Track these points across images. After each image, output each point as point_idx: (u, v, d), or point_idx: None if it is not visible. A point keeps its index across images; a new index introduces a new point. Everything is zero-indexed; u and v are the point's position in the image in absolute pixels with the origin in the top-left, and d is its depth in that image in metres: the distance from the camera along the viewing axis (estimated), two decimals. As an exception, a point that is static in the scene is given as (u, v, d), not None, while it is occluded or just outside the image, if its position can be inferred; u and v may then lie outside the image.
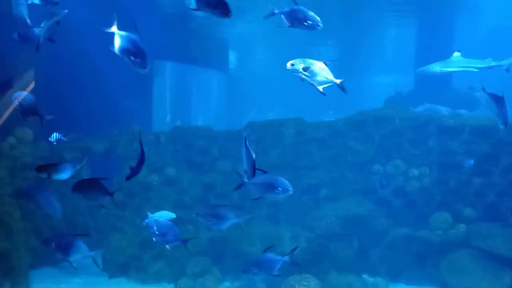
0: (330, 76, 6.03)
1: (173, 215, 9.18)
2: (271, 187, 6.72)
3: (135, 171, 6.42)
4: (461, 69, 10.42)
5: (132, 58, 5.31)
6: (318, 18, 6.00)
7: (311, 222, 10.37)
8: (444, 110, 13.02)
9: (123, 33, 5.36)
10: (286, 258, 7.00)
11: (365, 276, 9.94)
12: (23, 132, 11.50)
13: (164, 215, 9.05)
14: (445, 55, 17.87)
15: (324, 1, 16.70)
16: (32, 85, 13.38)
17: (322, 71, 6.00)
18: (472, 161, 10.07)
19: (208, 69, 26.38)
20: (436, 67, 10.58)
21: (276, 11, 6.01)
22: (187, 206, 11.03)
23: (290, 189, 6.70)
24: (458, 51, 10.63)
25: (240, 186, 6.71)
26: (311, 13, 5.99)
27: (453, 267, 9.50)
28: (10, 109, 12.74)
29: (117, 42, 5.33)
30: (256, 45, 27.24)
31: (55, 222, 11.30)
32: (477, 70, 10.37)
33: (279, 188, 6.74)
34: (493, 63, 10.34)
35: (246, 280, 10.09)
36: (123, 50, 5.32)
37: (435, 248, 10.06)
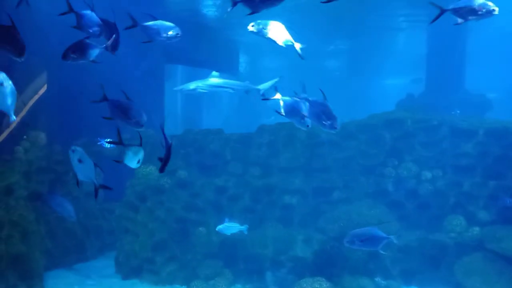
0: (289, 38, 6.18)
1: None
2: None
3: (165, 161, 6.14)
4: (216, 89, 10.29)
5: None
6: None
7: (324, 225, 10.35)
8: None
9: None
10: None
11: (378, 279, 9.91)
12: (37, 135, 11.63)
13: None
14: (456, 57, 17.79)
15: (335, 4, 16.70)
16: (44, 89, 13.51)
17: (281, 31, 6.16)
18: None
19: (219, 72, 26.48)
20: (192, 85, 10.46)
21: None
22: (199, 209, 11.06)
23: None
24: (217, 71, 10.66)
25: None
26: None
27: (467, 270, 9.43)
28: (23, 113, 12.90)
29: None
30: (266, 49, 27.31)
31: (69, 225, 11.43)
32: (232, 91, 10.29)
33: None
34: (249, 86, 10.29)
35: (258, 283, 10.11)
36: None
37: (449, 250, 10.01)
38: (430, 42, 20.00)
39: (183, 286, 10.28)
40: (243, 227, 9.40)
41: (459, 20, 5.90)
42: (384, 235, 7.26)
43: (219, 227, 9.38)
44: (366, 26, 21.10)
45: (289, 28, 6.54)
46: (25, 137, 11.00)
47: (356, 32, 21.91)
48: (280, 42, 6.26)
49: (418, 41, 21.03)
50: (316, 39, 24.17)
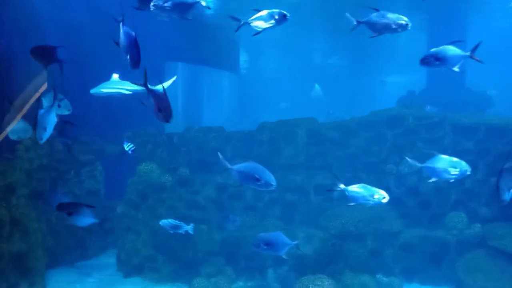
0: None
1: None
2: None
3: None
4: (117, 90, 10.37)
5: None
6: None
7: (325, 222, 10.35)
8: None
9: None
10: None
11: (379, 276, 9.90)
12: (38, 134, 11.61)
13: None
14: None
15: (335, 2, 16.71)
16: (44, 87, 13.50)
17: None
18: None
19: (219, 70, 26.46)
20: (98, 89, 10.52)
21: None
22: (200, 207, 11.06)
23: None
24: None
25: None
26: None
27: (469, 267, 9.43)
28: (24, 111, 12.88)
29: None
30: (267, 48, 27.30)
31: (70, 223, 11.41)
32: (130, 92, 10.36)
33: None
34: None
35: (259, 280, 10.11)
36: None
37: (451, 248, 10.00)
38: (430, 40, 19.97)
39: (185, 284, 10.27)
40: (189, 227, 9.30)
41: None
42: (288, 241, 7.49)
43: (163, 221, 9.29)
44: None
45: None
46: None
47: (356, 30, 21.85)
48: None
49: (418, 39, 20.99)
50: (316, 37, 24.15)
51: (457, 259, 9.78)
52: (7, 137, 11.21)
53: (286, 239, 7.53)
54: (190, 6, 6.11)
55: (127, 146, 9.61)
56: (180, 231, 9.27)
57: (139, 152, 12.25)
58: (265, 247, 7.53)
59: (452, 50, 6.08)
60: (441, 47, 6.09)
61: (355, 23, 6.29)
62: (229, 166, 6.65)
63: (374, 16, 6.21)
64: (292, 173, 11.28)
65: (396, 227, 10.39)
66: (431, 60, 6.02)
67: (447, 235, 10.08)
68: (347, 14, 6.26)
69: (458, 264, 9.62)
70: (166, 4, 6.01)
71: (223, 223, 11.01)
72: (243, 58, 28.81)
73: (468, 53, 6.05)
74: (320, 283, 9.09)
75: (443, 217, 10.33)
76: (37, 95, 13.42)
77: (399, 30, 6.03)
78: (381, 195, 6.93)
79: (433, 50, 6.07)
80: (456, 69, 6.08)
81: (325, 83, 35.86)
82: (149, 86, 5.70)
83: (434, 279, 10.10)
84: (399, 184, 10.91)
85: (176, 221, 9.25)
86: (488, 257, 9.44)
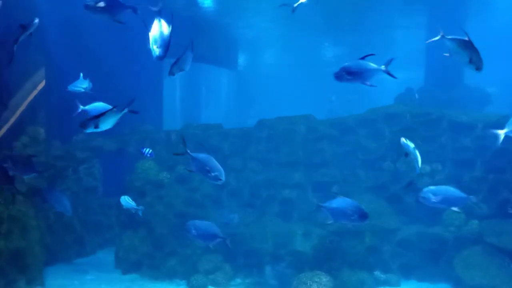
0: None
1: None
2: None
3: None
4: (79, 89, 10.47)
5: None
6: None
7: (323, 219, 10.35)
8: None
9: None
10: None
11: (377, 272, 9.93)
12: (36, 131, 11.61)
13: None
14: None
15: (335, 1, 16.73)
16: (42, 84, 13.49)
17: None
18: None
19: (217, 67, 26.43)
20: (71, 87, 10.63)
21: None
22: (198, 204, 11.07)
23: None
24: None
25: None
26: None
27: (466, 264, 9.45)
28: (22, 108, 12.87)
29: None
30: (266, 46, 27.29)
31: (69, 220, 11.43)
32: (83, 90, 10.43)
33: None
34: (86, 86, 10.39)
35: (257, 277, 10.12)
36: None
37: (448, 244, 10.02)
38: (429, 37, 19.96)
39: (183, 281, 10.29)
40: (139, 208, 9.47)
41: None
42: (219, 234, 7.58)
43: (122, 197, 9.49)
44: (365, 23, 21.06)
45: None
46: None
47: (355, 28, 21.86)
48: None
49: (417, 36, 20.99)
50: (315, 35, 24.13)
51: (454, 255, 9.78)
52: (4, 134, 11.19)
53: (218, 231, 7.59)
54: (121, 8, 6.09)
55: (145, 150, 9.71)
56: (133, 211, 9.52)
57: (136, 149, 12.27)
58: (195, 233, 7.59)
59: (364, 64, 5.96)
60: (354, 61, 6.00)
61: (439, 37, 6.14)
62: (321, 204, 7.06)
63: (459, 40, 5.98)
64: (290, 170, 11.28)
65: (393, 224, 10.41)
66: (343, 75, 5.92)
67: (444, 231, 10.09)
68: (441, 32, 6.16)
69: (455, 261, 9.63)
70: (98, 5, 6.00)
71: (221, 220, 11.02)
72: (242, 55, 28.81)
73: (381, 67, 6.01)
74: (318, 280, 9.11)
75: (441, 214, 10.32)
76: (35, 92, 13.41)
77: (474, 68, 5.77)
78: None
79: (345, 64, 5.98)
80: (369, 84, 6.03)
81: (323, 81, 35.78)
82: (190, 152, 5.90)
83: (431, 276, 10.11)
84: (397, 181, 10.92)
85: (131, 201, 9.43)
86: (486, 254, 9.45)
